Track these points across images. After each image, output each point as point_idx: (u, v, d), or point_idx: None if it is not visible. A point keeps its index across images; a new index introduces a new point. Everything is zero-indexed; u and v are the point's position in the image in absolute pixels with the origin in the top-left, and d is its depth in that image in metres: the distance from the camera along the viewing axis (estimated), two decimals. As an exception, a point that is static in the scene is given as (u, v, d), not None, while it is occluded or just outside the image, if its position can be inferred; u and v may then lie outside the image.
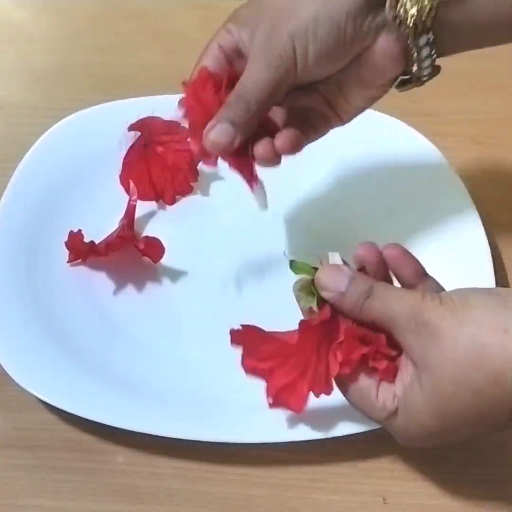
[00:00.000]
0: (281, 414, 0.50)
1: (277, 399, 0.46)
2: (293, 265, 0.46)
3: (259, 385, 0.53)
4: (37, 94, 0.73)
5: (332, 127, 0.52)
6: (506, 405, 0.40)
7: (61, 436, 0.51)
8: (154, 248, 0.56)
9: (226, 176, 0.64)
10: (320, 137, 0.51)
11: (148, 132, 0.62)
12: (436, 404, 0.41)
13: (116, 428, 0.49)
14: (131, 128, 0.62)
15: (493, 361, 0.39)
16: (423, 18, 0.44)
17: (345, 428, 0.49)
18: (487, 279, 0.56)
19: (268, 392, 0.46)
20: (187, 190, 0.64)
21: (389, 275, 0.47)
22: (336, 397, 0.50)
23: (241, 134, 0.46)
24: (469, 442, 0.48)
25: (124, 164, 0.63)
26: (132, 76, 0.74)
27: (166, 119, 0.63)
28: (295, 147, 0.48)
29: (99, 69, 0.75)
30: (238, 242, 0.57)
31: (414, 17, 0.44)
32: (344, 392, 0.46)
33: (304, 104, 0.50)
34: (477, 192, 0.63)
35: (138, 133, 0.62)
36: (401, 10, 0.44)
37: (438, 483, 0.49)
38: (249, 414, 0.51)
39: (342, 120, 0.51)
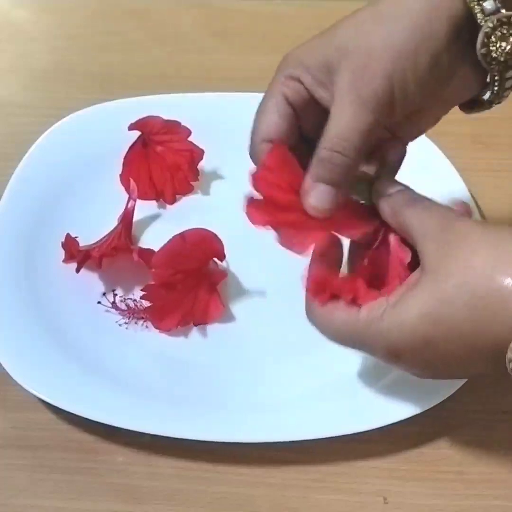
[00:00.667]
0: (282, 414, 0.50)
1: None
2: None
3: (259, 385, 0.53)
4: (36, 93, 0.73)
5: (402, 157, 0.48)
6: (504, 326, 0.38)
7: (60, 436, 0.51)
8: (148, 258, 0.56)
9: (227, 175, 0.65)
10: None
11: (148, 131, 0.62)
12: (431, 305, 0.39)
13: (116, 428, 0.49)
14: (131, 127, 0.61)
15: (505, 286, 0.38)
16: None
17: (345, 428, 0.49)
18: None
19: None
20: (187, 189, 0.64)
21: None
22: (336, 397, 0.51)
23: (343, 191, 0.43)
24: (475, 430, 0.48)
25: (124, 163, 0.63)
26: (132, 75, 0.74)
27: (166, 119, 0.63)
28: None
29: (99, 68, 0.75)
30: (238, 241, 0.57)
31: (506, 55, 0.42)
32: (324, 327, 0.44)
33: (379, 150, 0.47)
34: (478, 191, 0.63)
35: (138, 133, 0.62)
36: (493, 48, 0.42)
37: (438, 482, 0.49)
38: (249, 414, 0.51)
39: (404, 143, 0.48)
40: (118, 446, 0.51)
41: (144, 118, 0.62)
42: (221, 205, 0.63)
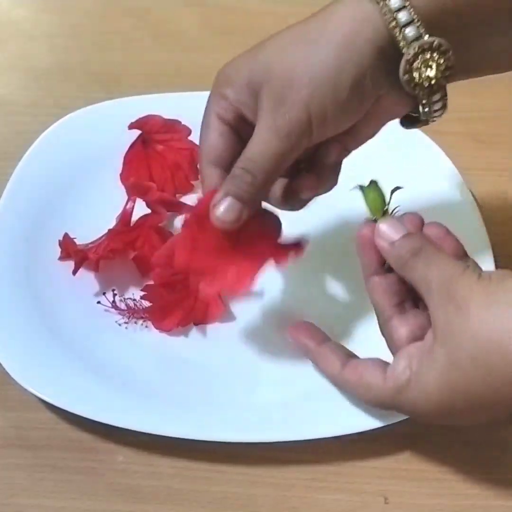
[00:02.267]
0: (282, 414, 0.50)
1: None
2: (366, 194, 0.47)
3: (260, 385, 0.53)
4: (36, 92, 0.73)
5: (341, 159, 0.49)
6: None
7: (61, 435, 0.51)
8: (143, 265, 0.56)
9: (227, 174, 0.65)
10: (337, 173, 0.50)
11: (149, 130, 0.62)
12: (449, 380, 0.41)
13: (116, 427, 0.49)
14: (132, 126, 0.61)
15: None
16: (439, 80, 0.42)
17: (346, 428, 0.49)
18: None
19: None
20: (187, 189, 0.64)
21: None
22: (337, 396, 0.51)
23: (248, 209, 0.45)
24: (475, 430, 0.49)
25: (124, 162, 0.63)
26: (132, 74, 0.74)
27: (166, 117, 0.62)
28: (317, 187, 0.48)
29: (99, 67, 0.75)
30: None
31: (429, 80, 0.42)
32: (348, 387, 0.47)
33: (317, 153, 0.48)
34: (479, 190, 0.63)
35: (139, 132, 0.62)
36: (416, 75, 0.42)
37: (440, 483, 0.49)
38: (250, 413, 0.51)
39: (349, 151, 0.49)
40: (118, 445, 0.51)
41: (144, 117, 0.62)
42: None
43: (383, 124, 0.47)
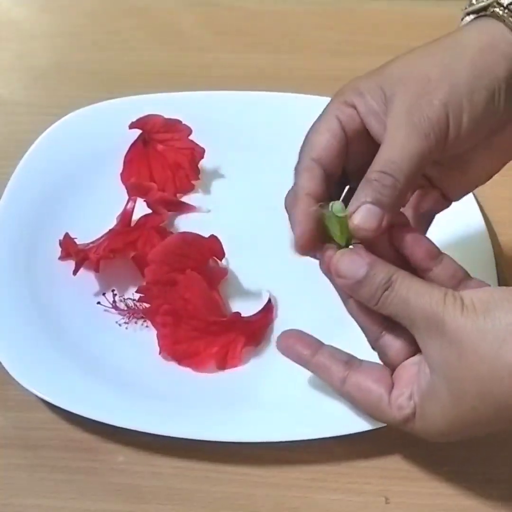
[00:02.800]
0: (282, 414, 0.50)
1: None
2: (327, 219, 0.43)
3: (260, 384, 0.53)
4: (37, 92, 0.73)
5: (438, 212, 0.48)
6: None
7: (61, 435, 0.51)
8: (143, 265, 0.56)
9: (228, 173, 0.65)
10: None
11: (149, 130, 0.62)
12: (456, 415, 0.41)
13: (117, 427, 0.49)
14: (132, 126, 0.61)
15: None
16: None
17: (346, 428, 0.49)
18: (490, 277, 0.55)
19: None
20: (188, 188, 0.64)
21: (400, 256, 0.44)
22: (338, 396, 0.50)
23: (389, 216, 0.41)
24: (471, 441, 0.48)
25: (124, 162, 0.63)
26: (133, 74, 0.74)
27: (167, 117, 0.62)
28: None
29: (100, 66, 0.75)
30: (239, 240, 0.57)
31: None
32: (351, 402, 0.46)
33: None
34: (480, 190, 0.62)
35: (139, 131, 0.62)
36: None
37: (441, 482, 0.49)
38: (250, 413, 0.51)
39: (450, 201, 0.47)
40: (119, 445, 0.50)
41: (144, 116, 0.62)
42: (222, 203, 0.63)
43: (503, 161, 0.46)
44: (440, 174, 0.46)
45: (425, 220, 0.48)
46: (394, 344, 0.44)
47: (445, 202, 0.48)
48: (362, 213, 0.41)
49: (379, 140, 0.43)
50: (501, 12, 0.42)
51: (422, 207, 0.47)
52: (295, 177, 0.44)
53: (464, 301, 0.40)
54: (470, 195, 0.61)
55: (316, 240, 0.43)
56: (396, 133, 0.41)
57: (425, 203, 0.47)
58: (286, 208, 0.44)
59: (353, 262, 0.42)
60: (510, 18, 0.42)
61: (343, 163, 0.44)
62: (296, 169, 0.44)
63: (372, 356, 0.54)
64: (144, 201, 0.60)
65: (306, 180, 0.43)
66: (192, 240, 0.56)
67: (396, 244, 0.43)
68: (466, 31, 0.43)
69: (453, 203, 0.60)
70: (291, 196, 0.44)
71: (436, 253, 0.43)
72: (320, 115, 0.45)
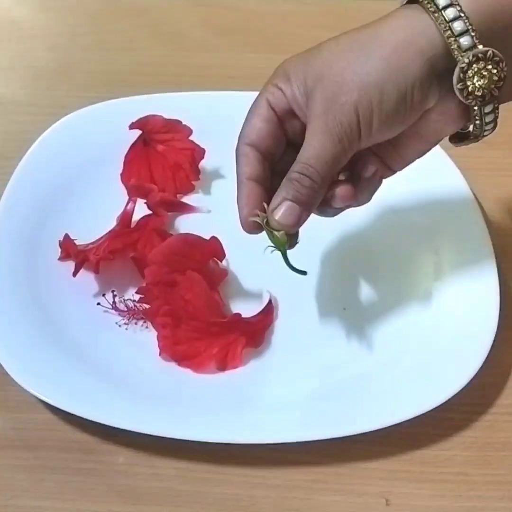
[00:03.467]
0: (283, 415, 0.50)
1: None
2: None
3: (261, 385, 0.53)
4: (37, 91, 0.73)
5: (383, 178, 0.50)
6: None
7: (61, 437, 0.51)
8: (143, 266, 0.56)
9: (228, 174, 0.64)
10: (374, 189, 0.50)
11: (149, 130, 0.62)
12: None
13: (117, 429, 0.49)
14: (132, 126, 0.61)
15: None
16: (492, 90, 0.42)
17: (347, 429, 0.49)
18: (490, 276, 0.55)
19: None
20: (188, 189, 0.64)
21: None
22: (338, 397, 0.50)
23: (307, 212, 0.45)
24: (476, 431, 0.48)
25: (125, 162, 0.63)
26: (133, 74, 0.74)
27: (167, 117, 0.62)
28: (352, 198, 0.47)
29: (100, 66, 0.75)
30: (240, 240, 0.57)
31: (482, 90, 0.42)
32: None
33: (356, 165, 0.48)
34: (480, 190, 0.62)
35: (139, 132, 0.62)
36: (469, 83, 0.42)
37: (441, 484, 0.49)
38: (251, 414, 0.51)
39: (393, 171, 0.49)
40: (119, 447, 0.50)
41: (145, 117, 0.62)
42: (222, 204, 0.63)
43: (432, 143, 0.47)
44: (377, 149, 0.48)
45: (369, 186, 0.49)
46: None
47: (390, 172, 0.50)
48: (283, 210, 0.45)
49: (305, 124, 0.45)
50: (429, 5, 0.42)
51: (365, 173, 0.48)
52: (236, 162, 0.48)
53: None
54: (471, 195, 0.61)
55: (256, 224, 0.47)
56: (313, 137, 0.44)
57: (367, 170, 0.48)
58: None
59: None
60: (434, 14, 0.42)
61: (280, 142, 0.47)
62: (235, 154, 0.48)
63: (373, 356, 0.54)
64: (145, 202, 0.60)
65: (243, 166, 0.47)
66: (193, 241, 0.56)
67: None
68: (389, 22, 0.44)
69: (454, 204, 0.60)
70: (237, 180, 0.47)
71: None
72: (256, 98, 0.47)
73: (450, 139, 0.48)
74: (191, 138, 0.63)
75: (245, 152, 0.47)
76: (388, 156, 0.48)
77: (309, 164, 0.44)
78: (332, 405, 0.50)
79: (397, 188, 0.61)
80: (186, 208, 0.62)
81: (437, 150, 0.63)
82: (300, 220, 0.45)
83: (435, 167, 0.62)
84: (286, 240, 0.46)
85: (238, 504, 0.48)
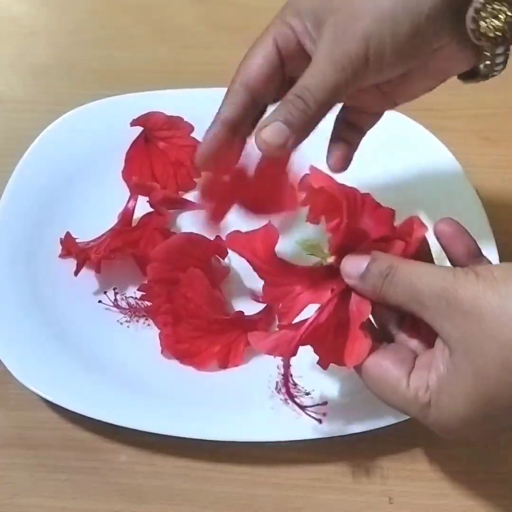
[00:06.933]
0: (284, 414, 0.50)
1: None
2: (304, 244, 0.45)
3: (262, 385, 0.53)
4: (38, 88, 0.73)
5: (383, 111, 0.49)
6: None
7: (62, 435, 0.51)
8: (144, 264, 0.56)
9: (229, 171, 0.64)
10: (372, 123, 0.49)
11: (151, 127, 0.62)
12: (478, 393, 0.38)
13: (118, 427, 0.49)
14: (134, 123, 0.61)
15: None
16: (505, 32, 0.42)
17: (349, 427, 0.49)
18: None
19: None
20: (189, 186, 0.63)
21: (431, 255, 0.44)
22: (339, 396, 0.50)
23: (296, 137, 0.43)
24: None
25: (126, 159, 0.62)
26: (134, 71, 0.74)
27: (168, 114, 0.62)
28: (347, 163, 0.47)
29: (101, 63, 0.75)
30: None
31: (495, 31, 0.42)
32: (370, 384, 0.43)
33: (358, 97, 0.47)
34: (483, 188, 0.62)
35: (141, 128, 0.62)
36: (482, 24, 0.42)
37: (444, 483, 0.49)
38: (253, 413, 0.50)
39: (395, 104, 0.49)
40: (121, 445, 0.50)
41: (146, 113, 0.62)
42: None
43: (440, 80, 0.47)
44: (381, 84, 0.47)
45: (356, 132, 0.49)
46: (410, 341, 0.43)
47: (391, 104, 0.49)
48: (271, 129, 0.43)
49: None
50: None
51: (360, 123, 0.49)
52: (223, 98, 0.46)
53: (478, 272, 0.39)
54: (473, 193, 0.60)
55: (211, 163, 0.47)
56: (317, 63, 0.43)
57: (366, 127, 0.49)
58: None
59: (356, 259, 0.43)
60: None
61: (276, 86, 0.46)
62: (227, 90, 0.46)
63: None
64: (147, 201, 0.59)
65: (227, 106, 0.46)
66: (195, 239, 0.55)
67: (437, 234, 0.44)
68: None
69: (456, 202, 0.60)
70: (214, 118, 0.47)
71: (476, 252, 0.43)
72: (260, 35, 0.46)
73: (459, 76, 0.47)
74: (192, 135, 0.63)
75: (236, 91, 0.46)
76: (393, 91, 0.47)
77: (307, 88, 0.43)
78: (334, 403, 0.50)
79: (399, 185, 0.61)
80: (188, 205, 0.62)
81: (440, 149, 0.63)
82: (287, 142, 0.43)
83: (438, 165, 0.62)
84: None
85: (239, 503, 0.48)
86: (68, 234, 0.57)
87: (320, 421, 0.46)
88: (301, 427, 0.49)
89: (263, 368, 0.53)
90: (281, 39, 0.45)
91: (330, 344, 0.44)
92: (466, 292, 0.38)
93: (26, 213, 0.60)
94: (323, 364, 0.45)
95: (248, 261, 0.45)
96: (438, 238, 0.44)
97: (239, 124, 0.46)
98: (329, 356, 0.44)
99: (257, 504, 0.48)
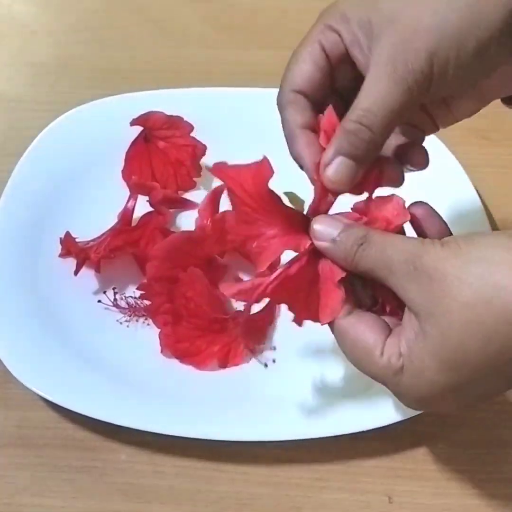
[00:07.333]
0: (285, 413, 0.50)
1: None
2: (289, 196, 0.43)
3: (264, 384, 0.53)
4: (38, 87, 0.73)
5: (426, 135, 0.47)
6: None
7: (63, 434, 0.51)
8: (143, 263, 0.56)
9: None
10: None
11: (151, 126, 0.62)
12: (444, 354, 0.38)
13: (119, 426, 0.49)
14: (133, 123, 0.61)
15: (506, 301, 0.35)
16: None
17: (349, 427, 0.49)
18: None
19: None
20: (189, 185, 0.63)
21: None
22: (340, 395, 0.50)
23: (363, 168, 0.40)
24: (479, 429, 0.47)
25: (126, 158, 0.62)
26: (134, 70, 0.74)
27: (168, 114, 0.62)
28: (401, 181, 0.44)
29: (101, 62, 0.74)
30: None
31: None
32: (344, 345, 0.42)
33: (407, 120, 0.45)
34: (483, 187, 0.62)
35: (141, 128, 0.62)
36: None
37: (444, 482, 0.49)
38: (253, 412, 0.50)
39: (438, 128, 0.47)
40: (121, 444, 0.50)
41: (146, 113, 0.62)
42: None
43: (487, 102, 0.45)
44: (429, 106, 0.45)
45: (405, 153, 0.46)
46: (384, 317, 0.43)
47: (433, 128, 0.47)
48: (336, 168, 0.40)
49: (362, 72, 0.41)
50: None
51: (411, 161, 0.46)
52: (281, 111, 0.43)
53: (444, 241, 0.39)
54: (473, 192, 0.60)
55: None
56: (377, 82, 0.39)
57: (413, 159, 0.46)
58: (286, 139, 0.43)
59: (331, 223, 0.41)
60: None
61: (327, 92, 0.43)
62: (279, 102, 0.43)
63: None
64: (147, 200, 0.59)
65: (294, 114, 0.42)
66: (195, 237, 0.56)
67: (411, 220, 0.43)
68: None
69: (457, 201, 0.60)
70: (287, 131, 0.43)
71: (447, 233, 0.43)
72: (302, 41, 0.43)
73: (503, 100, 0.46)
74: (192, 134, 0.63)
75: (293, 100, 0.42)
76: (439, 113, 0.45)
77: (371, 112, 0.39)
78: (334, 402, 0.50)
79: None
80: (188, 205, 0.62)
81: (440, 148, 0.63)
82: (356, 177, 0.40)
83: (438, 164, 0.62)
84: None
85: (239, 502, 0.48)
86: (68, 234, 0.57)
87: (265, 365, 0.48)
88: (302, 427, 0.50)
89: (263, 367, 0.54)
90: (327, 45, 0.42)
91: (303, 301, 0.42)
92: (430, 257, 0.38)
93: (26, 212, 0.60)
94: (297, 320, 0.43)
95: (230, 191, 0.42)
96: (411, 222, 0.43)
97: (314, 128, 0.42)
98: (303, 312, 0.43)
99: (257, 504, 0.48)
